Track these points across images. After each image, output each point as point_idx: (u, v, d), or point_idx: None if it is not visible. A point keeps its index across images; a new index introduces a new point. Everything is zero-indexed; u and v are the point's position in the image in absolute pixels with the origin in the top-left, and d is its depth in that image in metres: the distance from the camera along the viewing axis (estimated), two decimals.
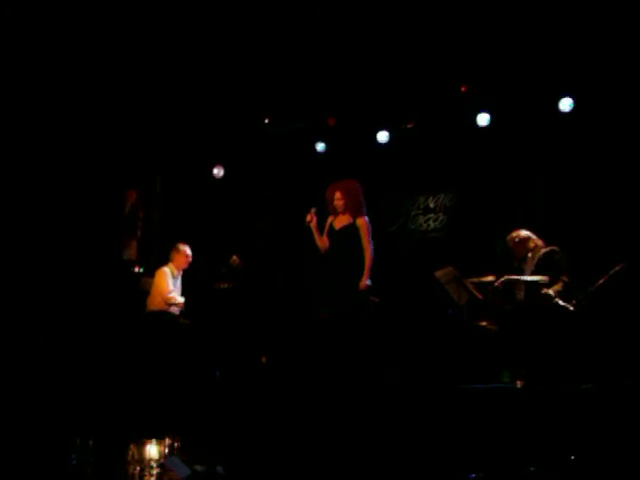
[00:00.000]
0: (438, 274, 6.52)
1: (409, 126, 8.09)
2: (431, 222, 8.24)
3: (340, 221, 6.13)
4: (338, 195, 6.05)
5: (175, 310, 7.17)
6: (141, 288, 7.57)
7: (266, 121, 8.47)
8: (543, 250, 6.28)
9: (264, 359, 7.27)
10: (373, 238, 6.07)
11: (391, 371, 6.50)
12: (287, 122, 8.41)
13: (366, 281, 5.86)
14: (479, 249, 7.51)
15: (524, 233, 6.43)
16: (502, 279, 6.17)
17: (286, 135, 8.50)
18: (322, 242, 6.13)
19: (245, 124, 8.50)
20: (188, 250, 7.30)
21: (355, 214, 6.06)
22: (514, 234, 6.44)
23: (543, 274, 6.07)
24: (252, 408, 5.26)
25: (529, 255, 6.37)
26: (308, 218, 6.05)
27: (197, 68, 7.55)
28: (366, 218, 6.07)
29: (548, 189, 7.39)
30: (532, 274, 6.19)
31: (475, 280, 6.41)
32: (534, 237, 6.39)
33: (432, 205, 8.25)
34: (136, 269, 8.12)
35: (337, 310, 5.85)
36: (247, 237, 8.73)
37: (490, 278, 6.31)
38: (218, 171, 8.81)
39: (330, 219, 6.17)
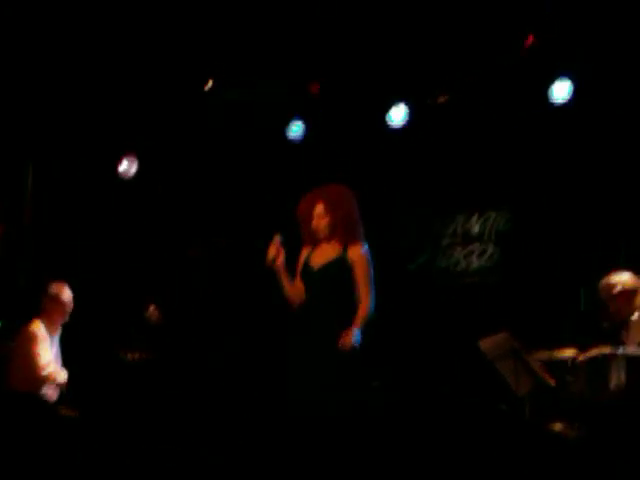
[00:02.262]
0: (485, 345, 6.53)
1: (440, 100, 8.18)
2: (474, 258, 8.36)
3: (322, 254, 6.01)
4: (320, 209, 5.99)
5: (51, 393, 7.20)
6: None
7: (208, 85, 8.54)
8: None
9: None
10: (377, 281, 5.96)
11: None
12: (240, 88, 8.51)
13: (352, 336, 5.68)
14: (552, 304, 7.62)
15: (629, 280, 6.47)
16: (590, 354, 6.20)
17: (238, 108, 8.59)
18: (293, 290, 6.02)
19: (172, 90, 8.61)
20: (67, 294, 7.34)
21: (346, 241, 5.97)
22: (612, 280, 6.49)
23: None
24: None
25: (635, 316, 6.40)
26: (271, 253, 5.93)
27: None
28: (364, 247, 5.97)
29: None
30: None
31: (545, 356, 6.46)
32: None
33: (476, 230, 8.38)
34: None
35: (321, 407, 5.76)
36: (172, 274, 8.87)
37: (569, 352, 6.36)
38: (127, 166, 8.92)
39: (305, 252, 6.07)
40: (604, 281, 6.51)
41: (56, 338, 7.34)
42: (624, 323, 6.44)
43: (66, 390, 7.25)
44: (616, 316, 6.48)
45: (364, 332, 5.76)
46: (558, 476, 6.21)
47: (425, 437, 7.23)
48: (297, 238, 6.12)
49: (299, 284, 6.04)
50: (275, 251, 5.93)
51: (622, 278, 6.47)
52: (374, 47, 8.00)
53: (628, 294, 6.42)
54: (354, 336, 5.69)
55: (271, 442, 6.75)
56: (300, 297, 6.04)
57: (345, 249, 5.95)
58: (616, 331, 6.47)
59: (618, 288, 6.44)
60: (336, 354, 5.74)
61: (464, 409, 7.33)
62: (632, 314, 6.41)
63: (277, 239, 5.94)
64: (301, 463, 5.81)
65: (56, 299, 7.28)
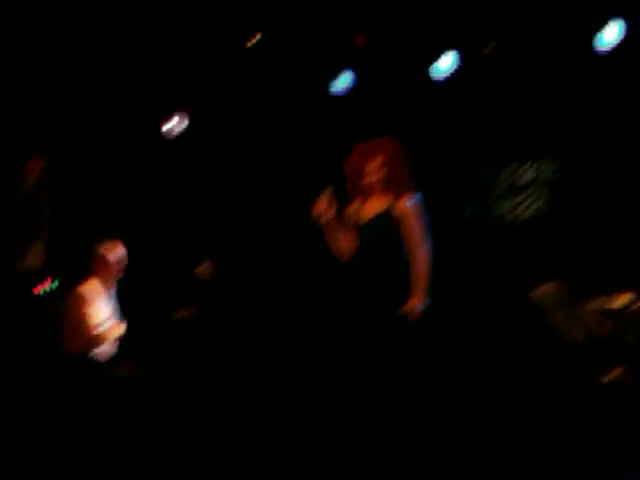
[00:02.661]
0: (537, 294, 6.63)
1: (487, 50, 8.11)
2: (525, 207, 8.34)
3: (371, 207, 6.04)
4: (376, 164, 5.99)
5: (106, 351, 7.21)
6: (52, 320, 7.56)
7: (253, 41, 8.52)
8: None
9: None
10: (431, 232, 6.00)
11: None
12: (281, 42, 8.48)
13: (419, 302, 5.73)
14: (605, 252, 7.56)
15: None
16: None
17: (277, 63, 8.60)
18: (346, 243, 6.04)
19: (214, 47, 8.58)
20: (115, 253, 7.37)
21: (396, 194, 5.96)
22: None
23: None
24: None
25: None
26: (321, 207, 5.92)
27: None
28: (415, 199, 5.97)
29: None
30: None
31: (598, 305, 6.51)
32: None
33: (526, 179, 8.35)
34: (42, 286, 8.07)
35: (374, 362, 5.79)
36: (225, 231, 8.92)
37: (623, 300, 6.43)
38: (173, 125, 8.92)
39: (352, 207, 6.09)
40: None
41: (112, 295, 7.37)
42: None
43: (124, 342, 7.26)
44: None
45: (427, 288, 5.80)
46: (614, 425, 6.13)
47: (478, 386, 7.25)
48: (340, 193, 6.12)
49: (349, 238, 6.06)
50: (325, 205, 5.93)
51: None
52: None
53: None
54: (418, 304, 5.74)
55: (323, 402, 6.78)
56: (349, 252, 6.05)
57: (392, 202, 5.97)
58: None
59: None
60: (388, 309, 5.79)
61: (518, 360, 7.34)
62: None
63: (327, 193, 5.94)
64: (360, 423, 5.84)
65: (103, 259, 7.32)
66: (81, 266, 7.52)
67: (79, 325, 7.16)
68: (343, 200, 6.12)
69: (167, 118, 8.93)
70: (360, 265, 6.01)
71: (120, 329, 7.25)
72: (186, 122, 8.94)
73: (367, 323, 5.84)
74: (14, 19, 7.73)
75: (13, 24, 7.77)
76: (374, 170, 6.00)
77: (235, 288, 8.35)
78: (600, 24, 7.65)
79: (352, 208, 6.11)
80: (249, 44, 8.57)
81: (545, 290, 6.50)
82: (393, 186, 5.99)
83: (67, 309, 7.29)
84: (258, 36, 8.56)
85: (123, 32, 8.22)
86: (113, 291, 7.40)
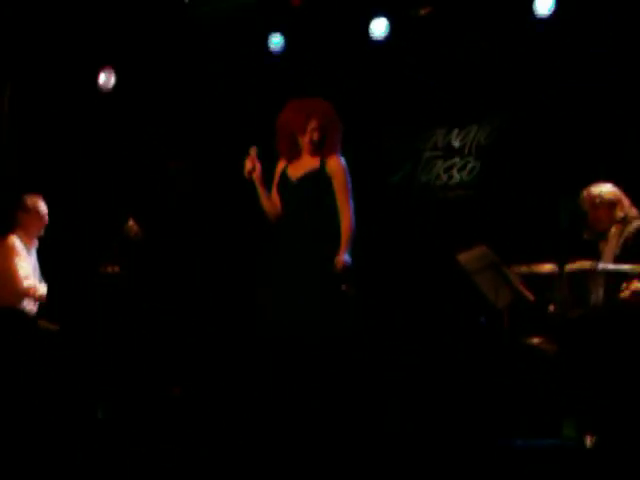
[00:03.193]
0: (463, 258, 6.50)
1: (422, 12, 8.12)
2: (455, 171, 8.31)
3: (300, 166, 6.06)
4: (314, 124, 5.99)
5: (31, 306, 7.26)
6: None
7: None
8: (637, 224, 6.30)
9: (176, 391, 7.36)
10: (359, 195, 6.06)
11: (391, 419, 6.54)
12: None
13: (343, 257, 5.80)
14: (531, 218, 7.61)
15: (611, 191, 6.43)
16: (569, 268, 6.17)
17: (217, 20, 8.55)
18: (272, 203, 6.07)
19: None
20: (42, 206, 7.37)
21: (324, 153, 6.00)
22: (594, 190, 6.45)
23: (634, 261, 6.04)
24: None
25: (613, 230, 6.38)
26: (248, 165, 5.94)
27: None
28: (342, 159, 6.02)
29: None
30: (615, 260, 6.22)
31: (524, 270, 6.43)
32: (626, 201, 6.41)
33: (457, 143, 8.32)
34: None
35: (297, 314, 5.83)
36: (152, 188, 8.86)
37: (548, 267, 6.34)
38: (106, 78, 8.81)
39: (281, 165, 6.12)
40: (585, 192, 6.48)
41: (33, 251, 7.38)
42: (603, 235, 6.42)
43: (46, 304, 7.27)
44: (596, 227, 6.46)
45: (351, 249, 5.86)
46: (534, 390, 6.27)
47: (406, 351, 7.34)
48: (269, 151, 6.13)
49: (276, 197, 6.08)
50: (252, 164, 5.94)
51: (603, 189, 6.43)
52: None
53: (608, 205, 6.39)
54: (345, 260, 5.81)
55: (246, 364, 6.80)
56: (277, 211, 6.09)
57: (323, 161, 5.99)
58: (595, 243, 6.46)
59: (598, 199, 6.41)
60: (318, 265, 5.85)
61: (444, 322, 7.42)
62: (611, 226, 6.39)
63: (253, 151, 5.96)
64: (280, 384, 5.85)
65: (32, 211, 7.30)
66: (4, 217, 7.49)
67: (8, 277, 7.14)
68: (270, 158, 6.13)
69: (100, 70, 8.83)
70: (290, 221, 6.02)
71: (43, 287, 7.27)
72: (114, 78, 8.85)
73: (298, 279, 5.86)
74: None
75: None
76: (313, 128, 5.99)
77: (162, 245, 8.29)
78: None
79: (280, 166, 6.13)
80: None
81: (472, 253, 6.49)
82: (325, 146, 6.01)
83: None
84: None
85: None
86: (35, 247, 7.39)
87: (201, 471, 5.00)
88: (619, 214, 6.38)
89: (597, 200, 6.41)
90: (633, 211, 6.39)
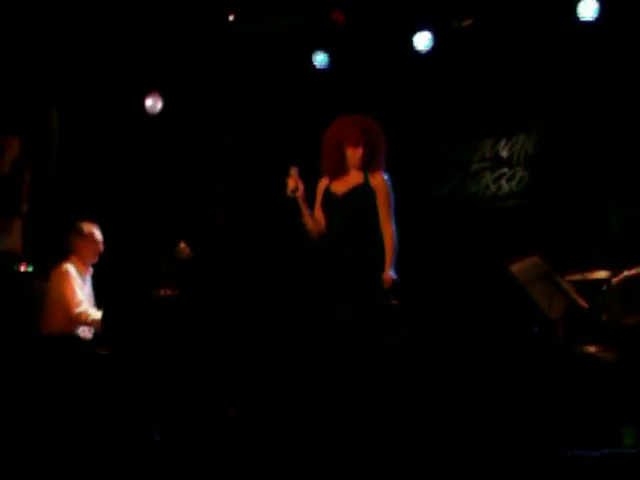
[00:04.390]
0: (516, 268, 6.52)
1: (465, 24, 8.16)
2: (504, 182, 8.34)
3: (344, 182, 6.09)
4: (364, 138, 6.02)
5: (87, 333, 7.26)
6: (31, 299, 7.60)
7: (230, 18, 8.53)
8: None
9: (232, 412, 7.31)
10: (406, 207, 6.14)
11: (441, 426, 6.50)
12: (264, 19, 8.50)
13: (390, 273, 5.83)
14: (582, 226, 7.61)
15: None
16: (623, 275, 6.19)
17: (262, 42, 8.60)
18: (315, 221, 6.11)
19: (196, 25, 8.60)
20: (97, 233, 7.39)
21: (369, 169, 6.02)
22: None
23: None
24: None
25: None
26: (291, 184, 5.98)
27: None
28: (386, 176, 6.06)
29: None
30: None
31: (577, 278, 6.50)
32: None
33: (505, 154, 8.36)
34: (21, 268, 8.08)
35: (347, 329, 5.86)
36: (202, 211, 8.94)
37: (602, 274, 6.40)
38: (153, 103, 8.94)
39: (324, 182, 6.15)
40: None
41: (88, 278, 7.38)
42: None
43: (100, 329, 7.24)
44: None
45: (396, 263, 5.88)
46: (592, 397, 6.23)
47: (456, 361, 7.34)
48: (311, 169, 6.16)
49: (319, 214, 6.10)
50: (294, 183, 5.96)
51: None
52: None
53: None
54: (392, 276, 5.84)
55: (293, 369, 6.85)
56: (320, 227, 6.12)
57: (367, 177, 6.02)
58: None
59: None
60: (363, 279, 5.87)
61: (497, 333, 7.39)
62: None
63: (295, 171, 5.99)
64: (323, 386, 5.91)
65: (87, 238, 7.31)
66: (59, 245, 7.55)
67: (62, 303, 7.14)
68: (311, 177, 6.15)
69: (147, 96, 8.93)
70: (335, 235, 6.04)
71: (97, 313, 7.25)
72: (161, 101, 8.94)
73: (343, 294, 5.88)
74: None
75: None
76: (357, 142, 6.01)
77: (213, 266, 8.35)
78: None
79: (323, 183, 6.15)
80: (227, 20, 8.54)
81: (524, 264, 6.48)
82: (371, 163, 6.04)
83: (49, 288, 7.26)
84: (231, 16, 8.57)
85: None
86: (89, 275, 7.40)
87: None
88: None
89: None
90: None
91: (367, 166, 6.02)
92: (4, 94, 8.36)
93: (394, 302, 6.16)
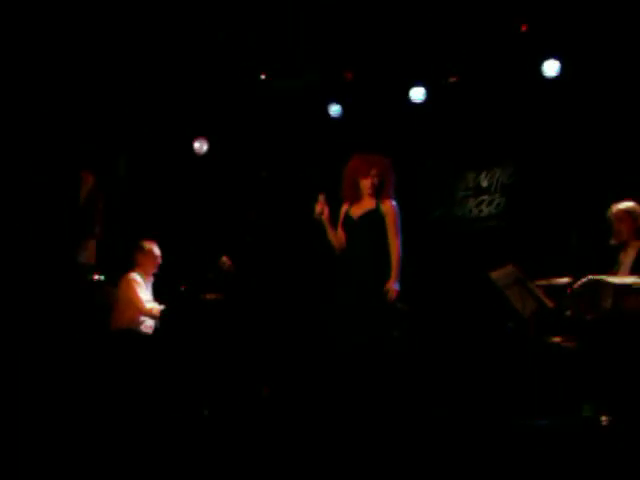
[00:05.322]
0: (495, 276, 6.46)
1: (452, 80, 8.15)
2: (484, 206, 8.28)
3: (360, 207, 6.13)
4: (374, 171, 6.07)
5: (148, 329, 7.28)
6: (103, 302, 7.63)
7: (262, 77, 8.54)
8: None
9: (266, 391, 7.35)
10: (406, 229, 6.11)
11: (437, 408, 6.52)
12: (289, 78, 8.51)
13: (395, 285, 5.84)
14: (549, 241, 7.54)
15: (633, 208, 6.23)
16: (583, 280, 6.05)
17: (288, 96, 8.63)
18: (337, 238, 6.15)
19: (234, 82, 8.63)
20: (156, 249, 7.42)
21: (380, 197, 6.06)
22: (620, 206, 6.26)
23: None
24: (250, 457, 5.22)
25: (632, 243, 6.22)
26: (318, 209, 6.03)
27: (168, 10, 7.69)
28: (394, 202, 6.09)
29: None
30: (631, 271, 6.09)
31: (544, 283, 6.37)
32: None
33: (485, 183, 8.30)
34: (95, 277, 8.11)
35: (359, 329, 5.86)
36: (240, 231, 8.85)
37: (565, 280, 6.26)
38: (200, 145, 8.94)
39: (345, 207, 6.19)
40: (614, 206, 6.27)
41: (149, 286, 7.39)
42: (624, 245, 6.24)
43: (159, 327, 7.25)
44: (617, 237, 6.25)
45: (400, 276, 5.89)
46: (556, 379, 6.21)
47: (446, 351, 7.35)
48: (334, 196, 6.17)
49: (341, 233, 6.13)
50: (321, 207, 6.01)
51: (628, 205, 6.24)
52: (395, 40, 7.95)
53: (630, 218, 6.19)
54: (395, 287, 5.84)
55: (315, 366, 6.84)
56: (342, 244, 6.13)
57: (378, 203, 6.04)
58: (617, 251, 6.28)
59: (621, 213, 6.21)
60: (376, 281, 5.89)
61: (480, 328, 7.37)
62: (631, 239, 6.20)
63: (322, 197, 6.02)
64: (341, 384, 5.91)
65: (148, 253, 7.35)
66: (126, 259, 7.54)
67: (130, 304, 7.18)
68: (336, 202, 6.19)
69: (195, 139, 8.96)
70: (352, 250, 6.07)
71: (161, 307, 7.26)
72: (207, 144, 8.97)
73: (356, 299, 5.89)
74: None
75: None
76: (374, 175, 6.06)
77: (252, 276, 8.32)
78: (541, 59, 7.66)
79: (344, 208, 6.19)
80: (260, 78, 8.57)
81: (502, 272, 6.45)
82: (381, 191, 6.08)
83: (119, 290, 7.29)
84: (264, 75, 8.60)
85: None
86: (150, 283, 7.40)
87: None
88: (637, 229, 6.19)
89: (620, 214, 6.23)
90: None
91: (378, 194, 6.06)
92: (84, 140, 8.41)
93: (404, 307, 6.17)
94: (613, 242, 6.29)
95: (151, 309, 7.22)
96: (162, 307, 7.26)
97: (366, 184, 6.07)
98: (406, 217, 6.17)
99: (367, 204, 6.09)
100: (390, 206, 6.04)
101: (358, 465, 4.80)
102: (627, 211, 6.21)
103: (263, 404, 7.17)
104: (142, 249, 7.36)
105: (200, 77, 8.50)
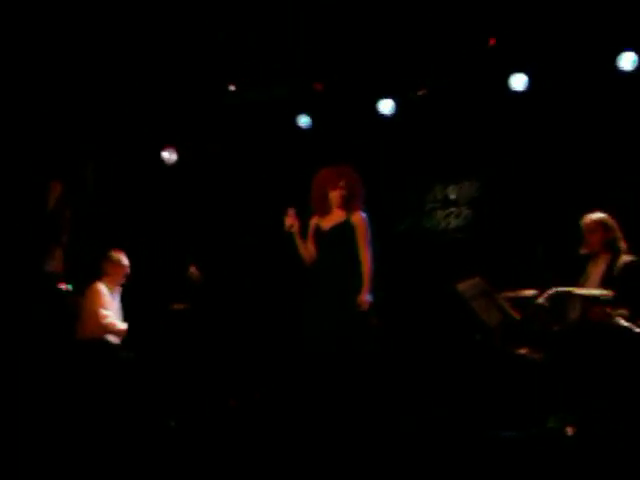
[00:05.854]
0: (461, 287, 6.47)
1: (420, 93, 8.16)
2: (452, 219, 8.30)
3: (330, 219, 6.14)
4: (342, 182, 6.07)
5: (115, 339, 7.24)
6: (69, 311, 7.58)
7: (231, 89, 8.51)
8: (628, 259, 6.10)
9: (233, 403, 7.32)
10: (375, 241, 6.12)
11: (405, 419, 6.52)
12: (258, 90, 8.51)
13: (366, 296, 5.81)
14: (516, 254, 7.59)
15: (604, 220, 6.20)
16: (550, 292, 6.05)
17: (257, 107, 8.60)
18: (307, 251, 6.14)
19: (203, 92, 8.60)
20: (124, 259, 7.40)
21: (350, 209, 6.04)
22: (592, 216, 6.23)
23: (615, 288, 5.90)
24: (218, 466, 5.23)
25: (603, 255, 6.22)
26: (288, 222, 6.02)
27: (135, 18, 7.67)
28: (364, 214, 6.09)
29: (623, 176, 7.42)
30: (600, 282, 6.09)
31: (511, 295, 6.39)
32: (617, 233, 6.16)
33: (453, 196, 8.31)
34: (62, 286, 8.07)
35: (331, 340, 5.87)
36: (208, 241, 8.85)
37: (531, 292, 6.27)
38: (169, 155, 8.87)
39: (314, 220, 6.18)
40: (586, 216, 6.25)
41: (116, 296, 7.38)
42: (594, 256, 6.23)
43: (126, 336, 7.25)
44: (588, 247, 6.25)
45: (371, 287, 5.91)
46: (523, 390, 6.17)
47: (414, 362, 7.36)
48: (303, 208, 6.20)
49: (311, 245, 6.13)
50: (291, 221, 6.00)
51: (600, 216, 6.22)
52: (365, 53, 8.00)
53: (602, 230, 6.16)
54: (367, 298, 5.87)
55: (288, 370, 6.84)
56: (312, 256, 6.13)
57: (348, 215, 6.05)
58: (585, 261, 6.28)
59: (593, 224, 6.19)
60: (346, 294, 5.90)
61: (447, 339, 7.39)
62: (601, 251, 6.18)
63: (292, 211, 6.02)
64: (312, 389, 5.93)
65: (116, 263, 7.32)
66: (93, 268, 7.51)
67: (93, 314, 7.15)
68: (306, 214, 6.19)
69: (164, 149, 8.94)
70: (323, 262, 6.08)
71: (124, 325, 7.26)
72: (176, 154, 8.95)
73: (327, 311, 5.90)
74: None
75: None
76: (342, 187, 6.07)
77: (220, 286, 8.32)
78: (508, 73, 7.70)
79: (314, 220, 6.19)
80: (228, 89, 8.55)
81: (468, 283, 6.47)
82: (351, 203, 6.08)
83: (85, 300, 7.26)
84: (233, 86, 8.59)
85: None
86: (118, 293, 7.38)
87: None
88: (608, 240, 6.16)
89: (592, 225, 6.20)
90: (622, 244, 6.17)
91: (347, 206, 6.07)
92: (50, 148, 8.37)
93: (375, 322, 6.17)
94: (583, 251, 6.29)
95: (113, 324, 7.19)
96: (125, 325, 7.24)
97: (335, 195, 6.08)
98: (375, 229, 6.18)
99: (337, 216, 6.10)
100: (360, 218, 6.04)
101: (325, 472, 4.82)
102: (599, 222, 6.19)
103: (230, 414, 7.16)
104: (110, 259, 7.33)
105: (169, 87, 8.46)
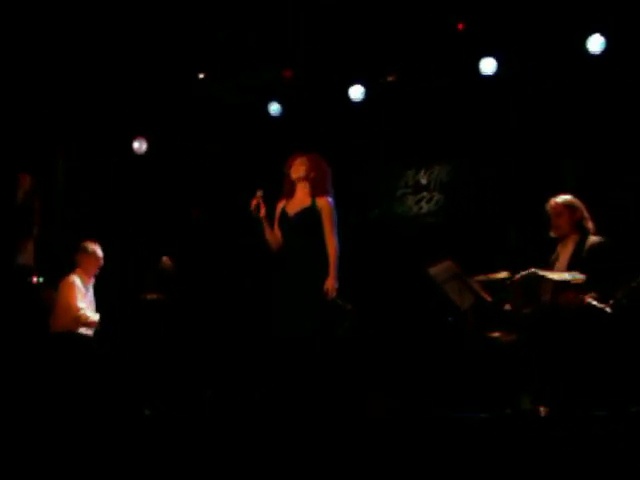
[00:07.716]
0: (433, 271, 6.49)
1: (390, 79, 8.17)
2: (424, 203, 8.33)
3: (296, 204, 6.10)
4: (303, 160, 6.06)
5: (87, 331, 7.25)
6: (41, 304, 7.54)
7: (200, 76, 8.50)
8: (595, 239, 6.10)
9: (208, 393, 7.33)
10: (348, 225, 6.17)
11: (376, 402, 6.51)
12: (228, 77, 8.48)
13: (333, 282, 5.82)
14: (487, 237, 7.64)
15: (571, 202, 6.17)
16: (524, 273, 6.06)
17: (227, 95, 8.61)
18: (273, 236, 6.10)
19: (173, 81, 8.57)
20: (98, 250, 7.40)
21: (315, 194, 6.04)
22: (558, 199, 6.19)
23: (584, 271, 5.89)
24: (193, 459, 5.17)
25: (572, 237, 6.22)
26: (254, 203, 5.99)
27: (107, 10, 7.64)
28: (330, 199, 6.06)
29: (583, 160, 7.46)
30: (569, 264, 6.10)
31: (482, 278, 6.42)
32: (585, 213, 6.14)
33: (424, 181, 8.35)
34: (33, 279, 8.02)
35: (300, 325, 5.84)
36: (180, 232, 8.86)
37: (503, 275, 6.29)
38: (139, 145, 8.87)
39: (281, 204, 6.15)
40: (551, 200, 6.22)
41: (90, 287, 7.39)
42: (562, 238, 6.22)
43: (100, 329, 7.25)
44: (557, 231, 6.23)
45: (338, 272, 5.87)
46: (496, 372, 6.26)
47: (386, 346, 7.40)
48: (275, 195, 6.16)
49: (277, 231, 6.10)
50: (256, 202, 5.98)
51: (565, 198, 6.20)
52: (334, 39, 7.98)
53: (569, 212, 6.15)
54: (333, 283, 5.83)
55: (259, 356, 6.86)
56: (278, 241, 6.10)
57: (314, 200, 6.03)
58: (556, 242, 6.27)
59: (560, 207, 6.16)
60: (312, 280, 5.87)
61: (420, 323, 7.44)
62: (570, 232, 6.17)
63: (259, 194, 6.00)
64: (284, 373, 5.92)
65: (91, 255, 7.33)
66: (66, 260, 7.51)
67: (66, 307, 7.17)
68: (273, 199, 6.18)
69: (135, 139, 8.92)
70: (288, 247, 6.05)
71: (96, 316, 7.27)
72: (146, 144, 8.93)
73: (295, 296, 5.88)
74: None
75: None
76: (300, 163, 6.05)
77: (192, 276, 8.32)
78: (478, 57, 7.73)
79: (280, 205, 6.19)
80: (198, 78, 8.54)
81: (440, 267, 6.49)
82: (316, 188, 6.06)
83: (58, 293, 7.26)
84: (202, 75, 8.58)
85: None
86: (92, 284, 7.39)
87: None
88: (576, 222, 6.15)
89: (559, 208, 6.17)
90: (590, 224, 6.16)
91: (313, 191, 6.08)
92: (20, 139, 8.31)
93: (348, 307, 6.18)
94: (552, 234, 6.29)
95: (86, 317, 7.20)
96: (97, 317, 7.25)
97: (293, 176, 6.07)
98: (346, 215, 6.19)
99: (303, 201, 6.06)
100: (326, 202, 6.00)
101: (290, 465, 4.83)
102: (565, 205, 6.17)
103: (206, 404, 7.16)
104: (85, 250, 7.33)
105: (138, 76, 8.44)
